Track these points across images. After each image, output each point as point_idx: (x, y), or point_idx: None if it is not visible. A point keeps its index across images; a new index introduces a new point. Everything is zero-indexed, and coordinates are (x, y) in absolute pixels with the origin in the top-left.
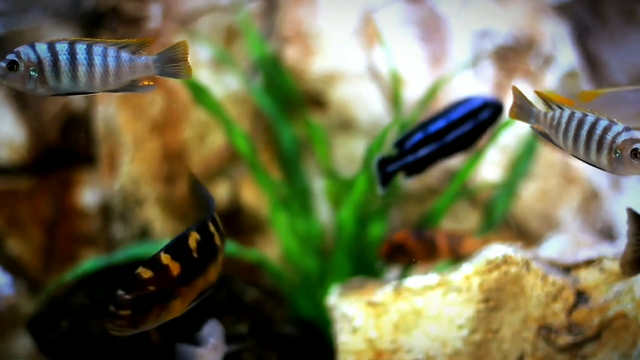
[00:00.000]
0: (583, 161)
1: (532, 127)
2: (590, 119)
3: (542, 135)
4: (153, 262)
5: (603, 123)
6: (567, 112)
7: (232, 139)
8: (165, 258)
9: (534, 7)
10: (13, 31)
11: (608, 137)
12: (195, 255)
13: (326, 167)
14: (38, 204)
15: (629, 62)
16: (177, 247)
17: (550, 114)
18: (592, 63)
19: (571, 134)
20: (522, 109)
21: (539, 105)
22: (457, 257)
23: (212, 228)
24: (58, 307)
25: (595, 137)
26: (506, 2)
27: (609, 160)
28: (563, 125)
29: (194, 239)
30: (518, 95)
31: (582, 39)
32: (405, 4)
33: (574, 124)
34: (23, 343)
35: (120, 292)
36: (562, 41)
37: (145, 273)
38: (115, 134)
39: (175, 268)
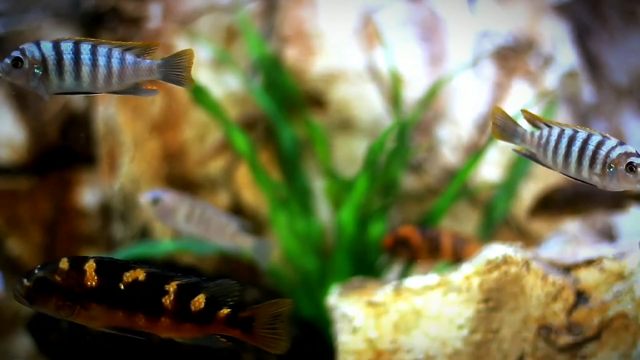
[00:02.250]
0: (573, 179)
1: (514, 150)
2: (582, 134)
3: (526, 156)
4: (76, 260)
5: (596, 138)
6: (556, 130)
7: (232, 139)
8: (88, 265)
9: (534, 7)
10: (13, 31)
11: (602, 151)
12: (122, 287)
13: (326, 167)
14: (38, 204)
15: (629, 62)
16: (108, 266)
17: (538, 132)
18: (592, 63)
19: (562, 151)
20: (505, 130)
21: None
22: (459, 259)
23: (172, 289)
24: None
25: (588, 153)
26: (506, 2)
27: (602, 176)
28: (552, 143)
29: (135, 275)
30: (500, 117)
31: (582, 39)
32: (405, 4)
33: (564, 141)
34: (23, 343)
35: (36, 266)
36: (562, 41)
37: (63, 263)
38: (115, 134)
39: (91, 279)
